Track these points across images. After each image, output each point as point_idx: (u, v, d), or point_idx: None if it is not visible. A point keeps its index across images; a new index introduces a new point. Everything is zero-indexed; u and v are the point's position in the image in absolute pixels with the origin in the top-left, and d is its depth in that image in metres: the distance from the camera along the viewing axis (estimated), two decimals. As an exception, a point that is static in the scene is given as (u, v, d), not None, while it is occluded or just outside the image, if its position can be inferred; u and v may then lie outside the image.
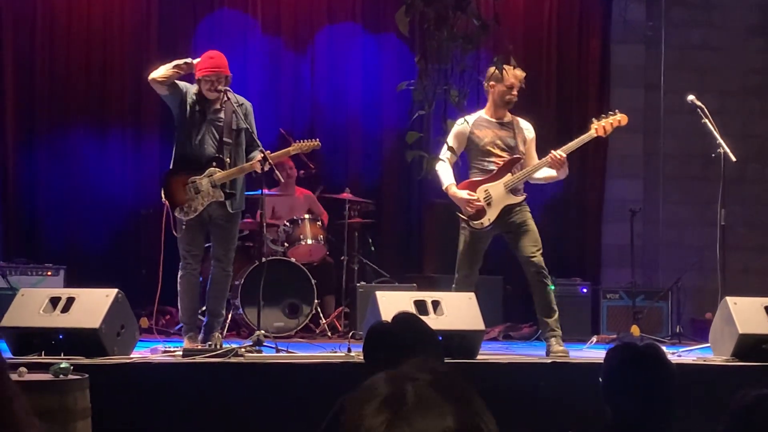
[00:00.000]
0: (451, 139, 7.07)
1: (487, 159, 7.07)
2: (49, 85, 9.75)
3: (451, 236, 9.19)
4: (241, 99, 7.05)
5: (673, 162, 10.73)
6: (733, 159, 7.34)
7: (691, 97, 7.56)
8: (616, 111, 7.24)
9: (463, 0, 4.40)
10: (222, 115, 6.99)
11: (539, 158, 7.15)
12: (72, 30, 9.79)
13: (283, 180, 7.81)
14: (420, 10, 4.42)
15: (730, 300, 6.74)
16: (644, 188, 10.77)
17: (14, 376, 4.25)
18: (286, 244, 8.81)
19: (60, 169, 9.64)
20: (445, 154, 7.04)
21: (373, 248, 9.56)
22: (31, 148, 9.65)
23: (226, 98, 6.96)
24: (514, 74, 7.02)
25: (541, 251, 6.98)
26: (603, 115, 7.19)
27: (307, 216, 8.95)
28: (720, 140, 7.35)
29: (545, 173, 7.09)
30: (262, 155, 6.85)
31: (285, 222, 8.89)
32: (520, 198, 7.07)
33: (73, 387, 4.71)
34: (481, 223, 6.97)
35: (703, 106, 7.47)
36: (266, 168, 6.91)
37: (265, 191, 7.44)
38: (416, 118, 5.22)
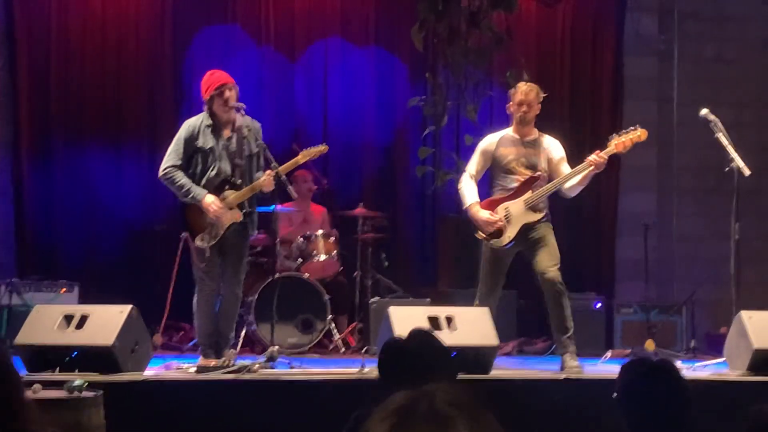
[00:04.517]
0: (476, 156, 7.12)
1: (510, 176, 7.11)
2: (63, 101, 9.78)
3: (465, 251, 9.20)
4: (249, 120, 7.04)
5: (686, 175, 10.70)
6: (747, 173, 7.30)
7: (704, 112, 7.50)
8: (637, 126, 7.12)
9: (477, 15, 4.42)
10: (234, 141, 6.99)
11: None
12: (86, 47, 9.83)
13: (296, 196, 7.81)
14: (432, 26, 4.44)
15: (745, 314, 6.71)
16: (658, 202, 10.74)
17: (28, 394, 4.26)
18: (299, 260, 8.80)
19: (74, 185, 9.67)
20: (470, 170, 7.10)
21: (386, 263, 9.54)
22: (46, 165, 9.68)
23: (236, 123, 6.97)
24: (523, 91, 7.08)
25: (558, 266, 6.98)
26: (624, 131, 7.11)
27: (320, 232, 8.95)
28: (733, 155, 7.31)
29: (575, 181, 7.07)
30: (274, 172, 6.86)
31: (298, 238, 8.88)
32: (540, 215, 7.09)
33: (88, 404, 4.72)
34: (501, 242, 7.03)
35: (716, 119, 7.44)
36: (278, 179, 6.90)
37: (280, 207, 7.44)
38: (428, 134, 5.25)
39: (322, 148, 7.39)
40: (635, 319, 9.35)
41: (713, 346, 8.83)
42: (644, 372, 3.47)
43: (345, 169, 10.26)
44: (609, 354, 8.19)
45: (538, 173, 7.09)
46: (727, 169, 7.38)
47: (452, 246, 9.77)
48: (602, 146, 7.08)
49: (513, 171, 7.10)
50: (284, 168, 7.07)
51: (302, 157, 7.27)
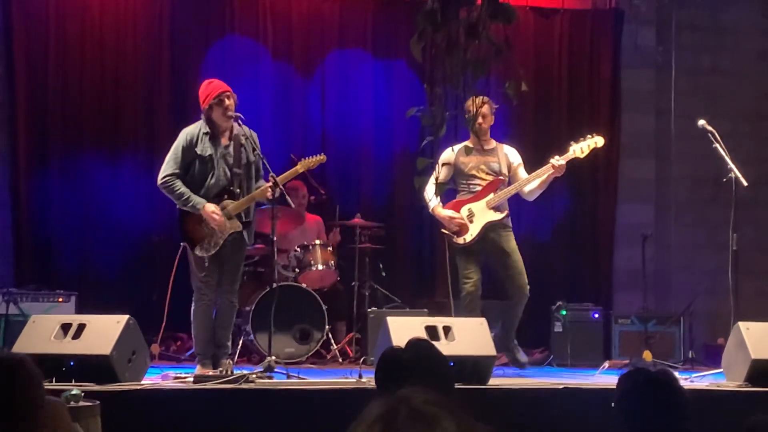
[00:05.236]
0: (438, 167, 7.33)
1: (473, 182, 7.69)
2: (61, 110, 9.77)
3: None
4: (247, 129, 7.05)
5: (684, 186, 10.70)
6: (745, 183, 7.32)
7: (702, 122, 7.57)
8: (593, 134, 7.74)
9: (476, 26, 4.41)
10: (231, 150, 7.00)
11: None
12: (85, 55, 9.82)
13: (294, 206, 7.80)
14: (430, 37, 4.44)
15: (742, 325, 6.71)
16: (656, 213, 10.74)
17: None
18: (296, 270, 8.80)
19: (72, 195, 9.65)
20: (433, 179, 7.24)
21: (384, 273, 9.54)
22: (44, 174, 9.66)
23: (234, 131, 6.97)
24: (477, 104, 7.24)
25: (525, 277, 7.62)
26: (582, 138, 7.70)
27: (317, 242, 8.94)
28: (731, 165, 7.34)
29: (535, 184, 7.59)
30: (272, 181, 6.86)
31: (296, 248, 8.88)
32: (501, 215, 7.64)
33: (85, 414, 4.70)
34: (464, 239, 7.63)
35: (713, 130, 7.47)
36: (277, 193, 6.92)
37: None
38: (426, 144, 5.25)
39: (320, 157, 7.42)
40: (633, 329, 9.35)
41: (711, 357, 8.84)
42: (642, 382, 3.46)
43: (343, 179, 10.25)
44: (606, 364, 8.20)
45: (501, 177, 7.67)
46: (725, 179, 7.40)
47: (450, 256, 9.75)
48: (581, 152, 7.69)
49: (475, 176, 7.69)
50: (283, 177, 7.09)
51: (301, 167, 7.30)
